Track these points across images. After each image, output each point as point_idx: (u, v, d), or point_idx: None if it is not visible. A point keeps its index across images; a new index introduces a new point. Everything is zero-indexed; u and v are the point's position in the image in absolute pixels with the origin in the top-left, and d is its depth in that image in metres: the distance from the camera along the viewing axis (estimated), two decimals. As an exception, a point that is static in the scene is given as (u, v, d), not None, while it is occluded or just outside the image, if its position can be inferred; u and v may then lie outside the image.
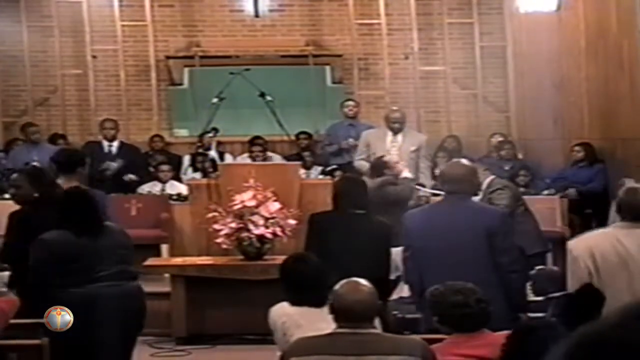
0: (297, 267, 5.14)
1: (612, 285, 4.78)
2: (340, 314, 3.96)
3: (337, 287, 4.07)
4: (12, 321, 5.14)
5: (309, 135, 12.08)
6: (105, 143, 11.62)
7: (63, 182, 6.31)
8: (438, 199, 8.68)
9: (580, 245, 4.95)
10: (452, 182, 5.51)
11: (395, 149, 9.55)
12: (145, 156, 11.86)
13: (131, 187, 11.20)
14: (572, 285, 4.89)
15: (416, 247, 5.42)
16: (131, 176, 11.28)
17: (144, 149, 12.11)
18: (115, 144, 11.64)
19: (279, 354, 4.61)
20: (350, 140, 10.79)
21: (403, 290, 6.71)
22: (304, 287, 4.92)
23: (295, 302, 4.92)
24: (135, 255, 7.96)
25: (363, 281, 4.07)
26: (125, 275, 5.48)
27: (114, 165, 11.29)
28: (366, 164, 9.47)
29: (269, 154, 11.82)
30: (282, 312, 4.96)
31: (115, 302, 5.30)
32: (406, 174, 8.25)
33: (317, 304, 4.72)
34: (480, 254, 5.29)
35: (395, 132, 9.66)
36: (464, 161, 5.88)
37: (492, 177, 7.72)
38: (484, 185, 7.42)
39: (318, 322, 4.53)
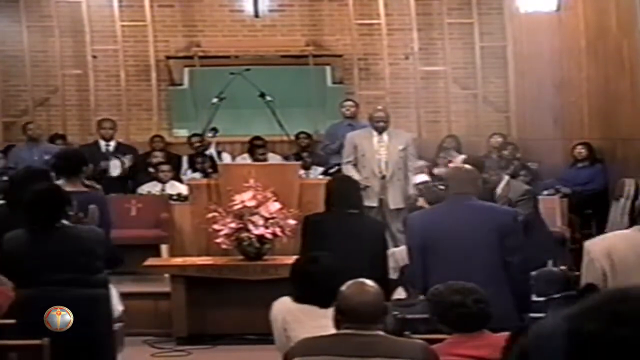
0: (307, 267, 5.11)
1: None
2: (346, 315, 3.95)
3: (343, 288, 4.06)
4: (13, 321, 5.14)
5: (309, 136, 12.09)
6: (103, 143, 11.62)
7: (64, 184, 6.24)
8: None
9: (598, 246, 4.90)
10: (459, 183, 5.56)
11: (384, 148, 9.52)
12: (144, 156, 11.87)
13: (130, 187, 11.21)
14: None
15: (423, 247, 5.43)
16: (127, 159, 11.27)
17: (144, 149, 12.11)
18: (112, 143, 11.65)
19: (278, 352, 4.61)
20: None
21: (399, 292, 6.71)
22: (311, 287, 4.90)
23: (300, 299, 4.91)
24: (135, 255, 8.05)
25: (369, 282, 4.06)
26: (77, 282, 5.17)
27: (117, 163, 11.23)
28: (352, 169, 9.44)
29: (269, 154, 11.84)
30: (285, 308, 4.94)
31: (45, 308, 5.04)
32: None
33: (323, 304, 4.70)
34: (490, 253, 5.34)
35: (380, 131, 9.62)
36: (467, 165, 5.97)
37: (507, 178, 7.70)
38: (501, 186, 7.42)
39: (320, 318, 4.52)
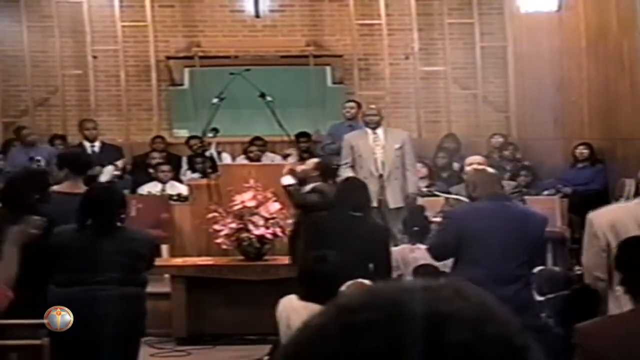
0: (315, 266, 5.12)
1: None
2: None
3: (343, 288, 4.06)
4: (13, 321, 5.13)
5: (309, 136, 12.08)
6: (87, 144, 11.53)
7: (71, 184, 6.22)
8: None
9: (602, 218, 4.90)
10: (487, 185, 5.72)
11: (380, 147, 9.50)
12: (143, 157, 11.85)
13: (130, 187, 11.19)
14: (587, 258, 4.91)
15: (460, 239, 5.53)
16: (114, 170, 11.19)
17: (145, 149, 12.11)
18: (97, 144, 11.58)
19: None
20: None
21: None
22: (318, 285, 4.91)
23: (305, 298, 4.92)
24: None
25: (368, 282, 4.07)
26: (118, 282, 5.28)
27: (108, 169, 11.11)
28: (350, 171, 9.41)
29: (269, 154, 11.82)
30: (290, 306, 4.98)
31: (92, 307, 5.14)
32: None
33: (327, 303, 4.70)
34: (519, 255, 5.48)
35: (373, 127, 9.60)
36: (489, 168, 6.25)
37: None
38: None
39: None
